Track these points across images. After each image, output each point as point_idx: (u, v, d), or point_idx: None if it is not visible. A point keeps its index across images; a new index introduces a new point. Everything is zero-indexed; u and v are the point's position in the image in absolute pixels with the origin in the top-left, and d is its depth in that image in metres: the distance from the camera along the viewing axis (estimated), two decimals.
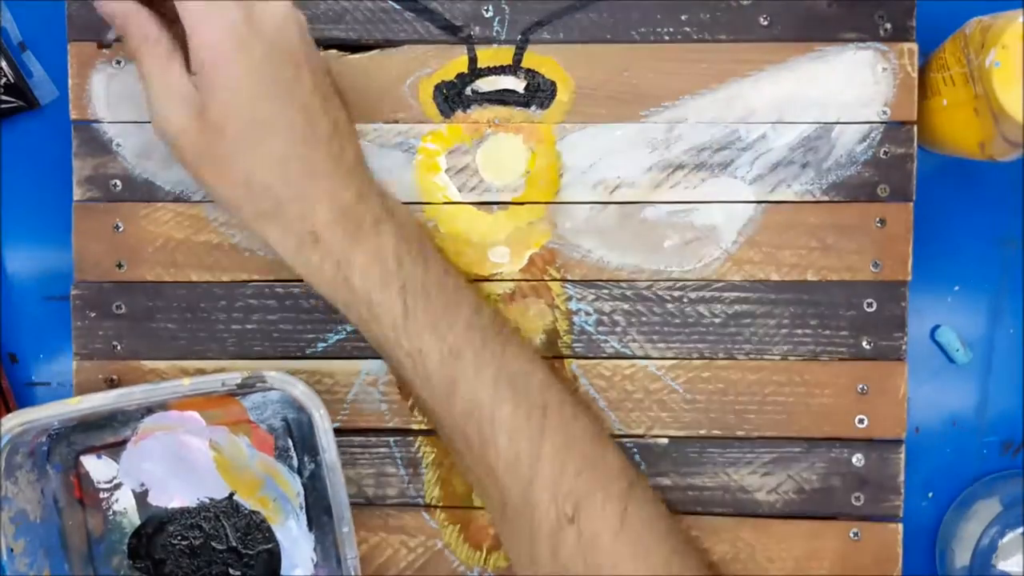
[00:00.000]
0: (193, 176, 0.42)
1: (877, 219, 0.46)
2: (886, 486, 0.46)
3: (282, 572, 0.47)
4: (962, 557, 0.48)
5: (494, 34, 0.47)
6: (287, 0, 0.40)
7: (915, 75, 0.46)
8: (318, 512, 0.46)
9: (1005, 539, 0.48)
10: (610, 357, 0.47)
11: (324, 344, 0.47)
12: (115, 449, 0.47)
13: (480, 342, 0.42)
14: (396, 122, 0.47)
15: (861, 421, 0.46)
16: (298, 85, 0.40)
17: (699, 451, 0.47)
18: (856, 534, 0.46)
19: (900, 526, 0.46)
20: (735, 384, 0.47)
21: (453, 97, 0.47)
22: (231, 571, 0.47)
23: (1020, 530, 0.48)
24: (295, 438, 0.47)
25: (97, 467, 0.47)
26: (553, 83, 0.47)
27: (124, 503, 0.47)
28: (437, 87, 0.47)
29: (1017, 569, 0.47)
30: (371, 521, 0.47)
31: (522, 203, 0.47)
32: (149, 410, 0.46)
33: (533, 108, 0.47)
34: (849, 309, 0.46)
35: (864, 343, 0.46)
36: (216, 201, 0.44)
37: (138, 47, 0.41)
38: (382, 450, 0.47)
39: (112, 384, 0.47)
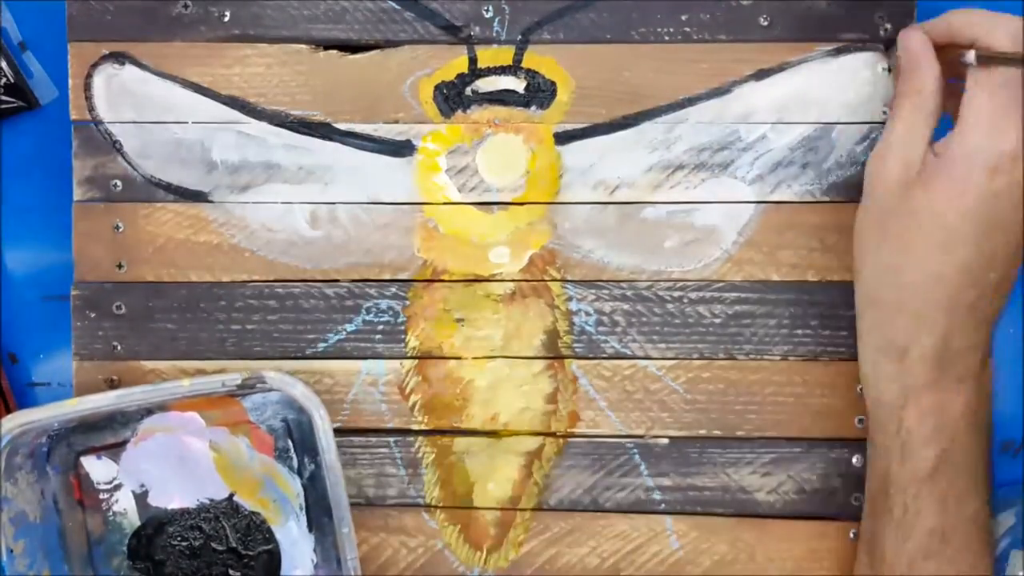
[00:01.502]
0: (859, 225, 0.42)
1: None
2: None
3: (282, 573, 0.47)
4: None
5: (494, 34, 0.47)
6: None
7: None
8: (318, 513, 0.46)
9: (1018, 551, 0.48)
10: (610, 357, 0.47)
11: (324, 344, 0.47)
12: (115, 450, 0.47)
13: (968, 537, 0.41)
14: (396, 122, 0.47)
15: (861, 421, 0.46)
16: (1008, 231, 0.39)
17: (699, 451, 0.47)
18: (856, 534, 0.46)
19: None
20: (735, 384, 0.47)
21: (453, 97, 0.47)
22: (231, 572, 0.47)
23: None
24: (295, 439, 0.47)
25: (97, 468, 0.47)
26: (553, 83, 0.47)
27: (124, 504, 0.47)
28: (437, 87, 0.47)
29: None
30: (371, 521, 0.47)
31: (522, 203, 0.47)
32: (149, 411, 0.46)
33: (533, 108, 0.47)
34: (849, 309, 0.46)
35: None
36: (855, 259, 0.43)
37: (907, 93, 0.41)
38: (382, 450, 0.47)
39: (112, 384, 0.47)
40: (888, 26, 0.46)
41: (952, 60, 0.40)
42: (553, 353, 0.47)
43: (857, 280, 0.42)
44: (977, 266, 0.39)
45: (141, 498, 0.47)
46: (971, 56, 0.40)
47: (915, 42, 0.41)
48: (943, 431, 0.40)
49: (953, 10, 0.41)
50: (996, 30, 0.39)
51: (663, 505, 0.47)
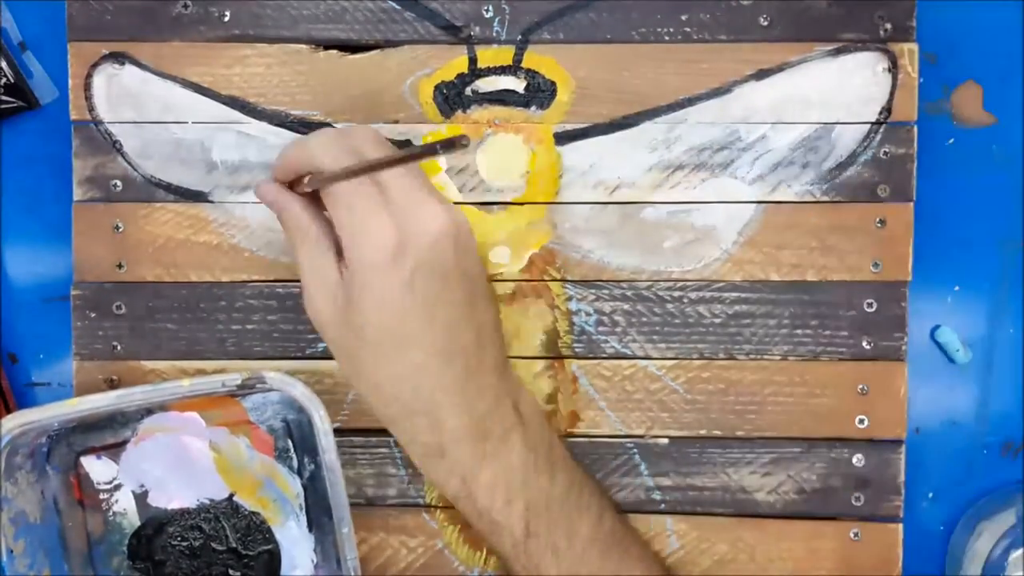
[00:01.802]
0: (338, 359, 0.42)
1: (877, 219, 0.46)
2: (886, 486, 0.46)
3: (282, 573, 0.47)
4: (973, 567, 0.48)
5: (494, 34, 0.47)
6: (444, 216, 0.39)
7: (915, 75, 0.46)
8: (318, 513, 0.46)
9: (1018, 552, 0.48)
10: (610, 357, 0.47)
11: (324, 344, 0.47)
12: (115, 450, 0.47)
13: (599, 558, 0.42)
14: (396, 122, 0.47)
15: (861, 421, 0.46)
16: (444, 300, 0.40)
17: (699, 451, 0.47)
18: (856, 534, 0.46)
19: (900, 526, 0.46)
20: (735, 384, 0.47)
21: (453, 97, 0.47)
22: (231, 572, 0.47)
23: None
24: (295, 439, 0.47)
25: (97, 468, 0.47)
26: (553, 83, 0.47)
27: (124, 504, 0.47)
28: (437, 87, 0.47)
29: None
30: (371, 521, 0.47)
31: (522, 203, 0.47)
32: (149, 411, 0.46)
33: (533, 108, 0.47)
34: (849, 309, 0.46)
35: (864, 343, 0.46)
36: (352, 386, 0.45)
37: (292, 236, 0.42)
38: (382, 450, 0.47)
39: (112, 384, 0.47)
40: (888, 26, 0.46)
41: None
42: (553, 353, 0.47)
43: (369, 404, 0.42)
44: (441, 345, 0.40)
45: (141, 498, 0.47)
46: (306, 183, 0.41)
47: (268, 193, 0.42)
48: (513, 491, 0.41)
49: (281, 154, 0.42)
50: (317, 153, 0.40)
51: (663, 505, 0.47)
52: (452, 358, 0.40)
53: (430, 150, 0.37)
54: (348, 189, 0.39)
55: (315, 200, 0.42)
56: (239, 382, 0.43)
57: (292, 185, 0.42)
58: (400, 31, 0.47)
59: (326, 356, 0.47)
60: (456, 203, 0.47)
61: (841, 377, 0.46)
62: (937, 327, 0.50)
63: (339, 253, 0.41)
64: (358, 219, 0.39)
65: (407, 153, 0.39)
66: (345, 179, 0.39)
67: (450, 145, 0.36)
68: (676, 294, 0.47)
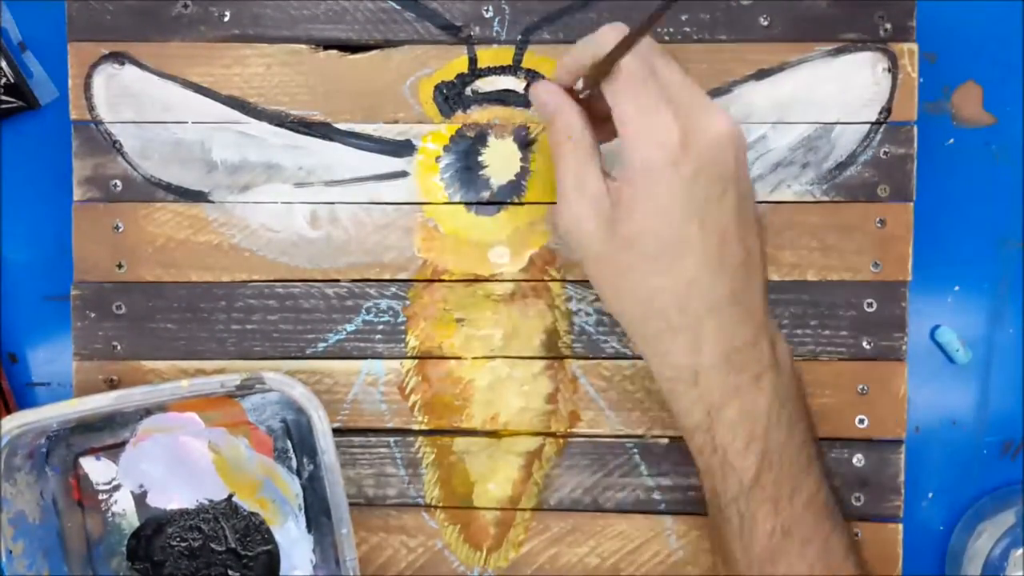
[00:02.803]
0: (589, 276, 0.40)
1: (877, 219, 0.46)
2: (886, 486, 0.46)
3: (281, 573, 0.47)
4: (973, 567, 0.48)
5: (494, 34, 0.47)
6: (727, 119, 0.38)
7: (915, 75, 0.46)
8: (317, 513, 0.46)
9: (1018, 551, 0.48)
10: (610, 357, 0.47)
11: (324, 344, 0.47)
12: (114, 450, 0.47)
13: (812, 524, 0.40)
14: (396, 122, 0.47)
15: (861, 421, 0.46)
16: (721, 207, 0.38)
17: None
18: (856, 534, 0.46)
19: (900, 526, 0.46)
20: None
21: (453, 97, 0.47)
22: (230, 572, 0.47)
23: None
24: (294, 439, 0.47)
25: (96, 468, 0.47)
26: None
27: (123, 504, 0.47)
28: (437, 87, 0.47)
29: None
30: (371, 521, 0.47)
31: (522, 203, 0.47)
32: (148, 412, 0.46)
33: (533, 108, 0.47)
34: (849, 309, 0.46)
35: (864, 343, 0.46)
36: (605, 304, 0.42)
37: (560, 142, 0.40)
38: (382, 450, 0.47)
39: (112, 384, 0.47)
40: (888, 26, 0.46)
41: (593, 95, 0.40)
42: (553, 353, 0.47)
43: (623, 323, 0.40)
44: (713, 256, 0.38)
45: (140, 498, 0.47)
46: (579, 83, 0.40)
47: (542, 92, 0.40)
48: (755, 436, 0.39)
49: (565, 53, 0.40)
50: (599, 41, 0.38)
51: (663, 505, 0.47)
52: (722, 275, 0.38)
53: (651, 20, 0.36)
54: (632, 85, 0.37)
55: (585, 111, 0.40)
56: (238, 383, 0.43)
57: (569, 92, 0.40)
58: (400, 31, 0.47)
59: (326, 356, 0.47)
60: (456, 203, 0.47)
61: (841, 377, 0.46)
62: (937, 327, 0.50)
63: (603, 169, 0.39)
64: (642, 115, 0.37)
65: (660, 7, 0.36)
66: (618, 56, 0.37)
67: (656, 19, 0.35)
68: None
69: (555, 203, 0.40)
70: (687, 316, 0.38)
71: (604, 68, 0.38)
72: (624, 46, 0.37)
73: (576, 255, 0.39)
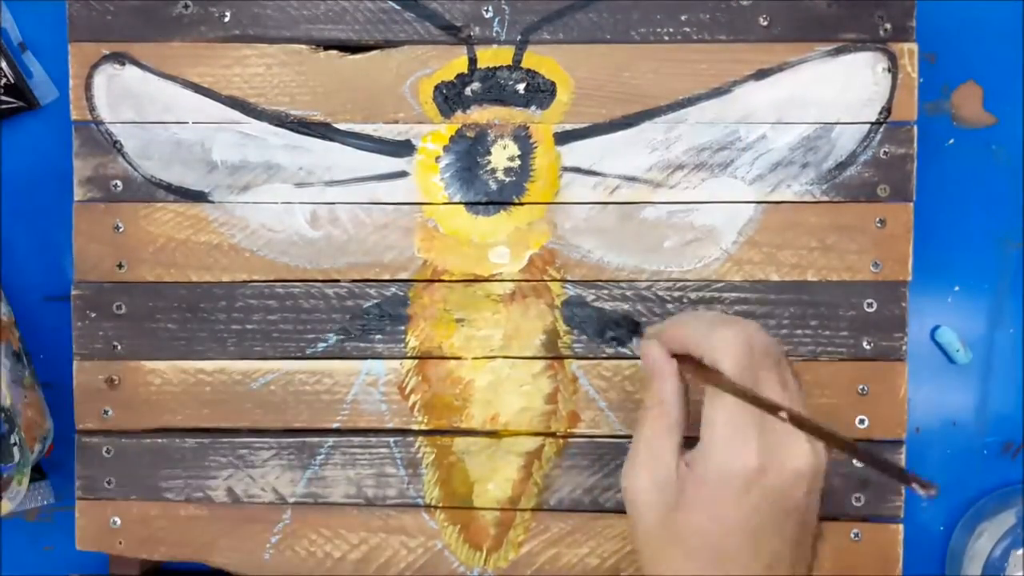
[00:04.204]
0: (635, 541, 0.40)
1: (877, 219, 0.46)
2: (887, 486, 0.46)
3: None
4: (973, 567, 0.48)
5: (494, 34, 0.47)
6: (811, 458, 0.38)
7: (915, 75, 0.46)
8: None
9: (1019, 552, 0.48)
10: (610, 357, 0.47)
11: (324, 344, 0.47)
12: None
13: None
14: (396, 122, 0.47)
15: (862, 421, 0.46)
16: (777, 535, 0.38)
17: None
18: (857, 535, 0.46)
19: (901, 527, 0.46)
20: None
21: (453, 97, 0.47)
22: None
23: None
24: None
25: None
26: (553, 83, 0.47)
27: None
28: (437, 87, 0.47)
29: None
30: (371, 521, 0.47)
31: (522, 203, 0.47)
32: None
33: (533, 108, 0.47)
34: (849, 309, 0.46)
35: (864, 343, 0.46)
36: (640, 563, 0.42)
37: (650, 407, 0.40)
38: (382, 450, 0.47)
39: (112, 384, 0.47)
40: (888, 26, 0.46)
41: (695, 368, 0.40)
42: (553, 353, 0.47)
43: None
44: (760, 568, 0.38)
45: None
46: (691, 373, 0.39)
47: (653, 352, 0.40)
48: None
49: (683, 321, 0.40)
50: (722, 356, 0.38)
51: None
52: None
53: (886, 468, 0.36)
54: (732, 403, 0.38)
55: (684, 379, 0.40)
56: None
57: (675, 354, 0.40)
58: (400, 31, 0.47)
59: (326, 356, 0.47)
60: (456, 203, 0.47)
61: (841, 377, 0.46)
62: (937, 327, 0.50)
63: (683, 445, 0.39)
64: (731, 430, 0.38)
65: (825, 431, 0.37)
66: (734, 394, 0.38)
67: (909, 481, 0.34)
68: (676, 294, 0.47)
69: (624, 465, 0.40)
70: None
71: (713, 381, 0.38)
72: (741, 394, 0.37)
73: (629, 516, 0.40)
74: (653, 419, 0.40)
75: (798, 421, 0.37)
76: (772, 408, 0.37)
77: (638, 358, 0.47)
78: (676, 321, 0.41)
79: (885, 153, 0.46)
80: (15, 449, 0.46)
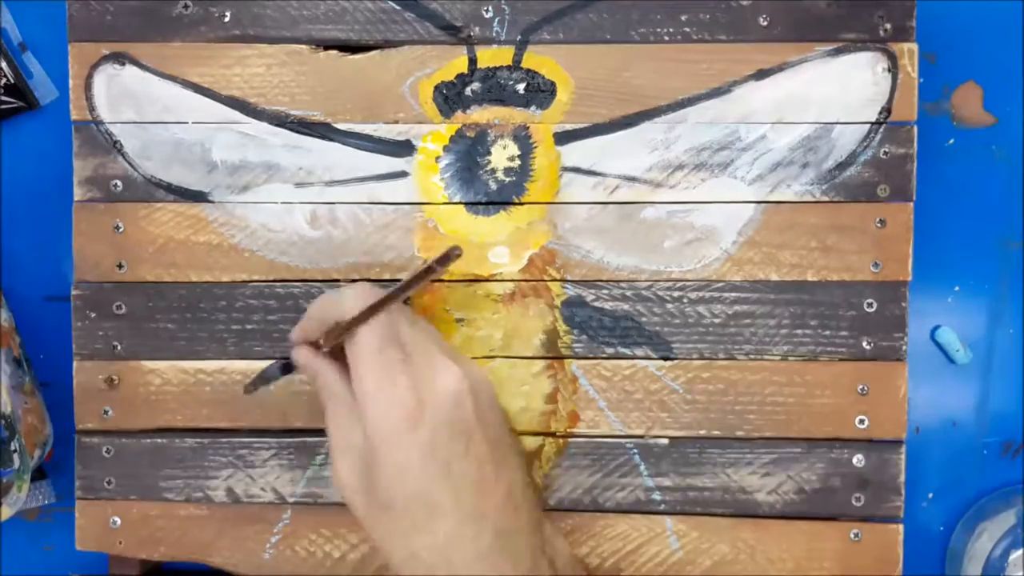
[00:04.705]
0: (363, 526, 0.41)
1: (877, 219, 0.46)
2: (887, 487, 0.46)
3: None
4: (973, 567, 0.48)
5: (494, 34, 0.47)
6: (458, 373, 0.39)
7: (915, 75, 0.46)
8: None
9: (1019, 552, 0.48)
10: (610, 357, 0.47)
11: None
12: None
13: None
14: (396, 122, 0.47)
15: (861, 421, 0.46)
16: (468, 459, 0.39)
17: (699, 451, 0.47)
18: (857, 535, 0.46)
19: (901, 527, 0.46)
20: (735, 384, 0.47)
21: (453, 97, 0.47)
22: None
23: None
24: None
25: None
26: (553, 83, 0.47)
27: None
28: (437, 87, 0.47)
29: None
30: None
31: (522, 203, 0.47)
32: None
33: (533, 108, 0.47)
34: (849, 309, 0.46)
35: (864, 343, 0.46)
36: (385, 557, 0.43)
37: (325, 400, 0.41)
38: None
39: (112, 384, 0.47)
40: (888, 26, 0.46)
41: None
42: (553, 353, 0.47)
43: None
44: (469, 509, 0.39)
45: None
46: (321, 340, 0.41)
47: (300, 357, 0.42)
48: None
49: (312, 303, 0.42)
50: (344, 304, 0.40)
51: (663, 505, 0.47)
52: (483, 522, 0.39)
53: (427, 272, 0.38)
54: (370, 355, 0.39)
55: (344, 366, 0.41)
56: None
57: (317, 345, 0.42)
58: (400, 31, 0.47)
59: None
60: (456, 203, 0.47)
61: (841, 377, 0.46)
62: (937, 327, 0.50)
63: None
64: (373, 386, 0.39)
65: (407, 281, 0.39)
66: (356, 325, 0.39)
67: (445, 260, 0.36)
68: (676, 294, 0.47)
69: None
70: (455, 568, 0.39)
71: (341, 333, 0.40)
72: (362, 318, 0.39)
73: (350, 508, 0.41)
74: (333, 412, 0.41)
75: (408, 284, 0.39)
76: (391, 298, 0.39)
77: (638, 357, 0.47)
78: (305, 315, 0.42)
79: (885, 153, 0.46)
80: (15, 455, 0.46)
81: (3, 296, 0.50)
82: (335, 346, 0.41)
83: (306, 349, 0.42)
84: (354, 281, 0.47)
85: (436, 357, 0.40)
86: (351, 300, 0.40)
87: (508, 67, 0.47)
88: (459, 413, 0.39)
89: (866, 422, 0.46)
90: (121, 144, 0.47)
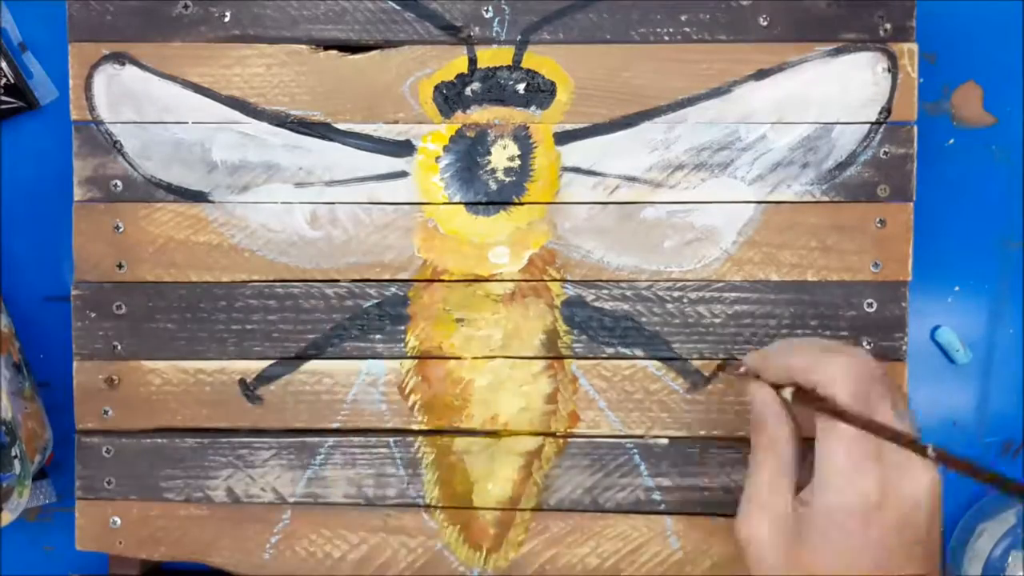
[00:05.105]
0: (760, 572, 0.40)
1: (877, 219, 0.46)
2: None
3: None
4: (973, 567, 0.48)
5: (494, 34, 0.47)
6: (929, 479, 0.37)
7: (915, 75, 0.46)
8: None
9: (1019, 552, 0.48)
10: (610, 357, 0.47)
11: (324, 344, 0.47)
12: None
13: None
14: (396, 122, 0.47)
15: None
16: (907, 560, 0.37)
17: (699, 451, 0.47)
18: None
19: None
20: (735, 384, 0.47)
21: (453, 97, 0.47)
22: None
23: None
24: None
25: None
26: (553, 83, 0.47)
27: None
28: (437, 87, 0.47)
29: None
30: (371, 521, 0.47)
31: (522, 203, 0.47)
32: None
33: (533, 108, 0.47)
34: (849, 309, 0.46)
35: (864, 343, 0.46)
36: None
37: (763, 447, 0.40)
38: (382, 450, 0.47)
39: (112, 384, 0.47)
40: (888, 26, 0.46)
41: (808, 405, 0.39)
42: (553, 353, 0.47)
43: None
44: None
45: None
46: (788, 391, 0.39)
47: (763, 395, 0.40)
48: None
49: (787, 350, 0.40)
50: (835, 385, 0.38)
51: (663, 505, 0.47)
52: None
53: (1000, 484, 0.35)
54: (850, 430, 0.37)
55: (794, 418, 0.40)
56: None
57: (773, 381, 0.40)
58: (400, 31, 0.47)
59: (326, 356, 0.47)
60: (456, 203, 0.47)
61: None
62: (937, 327, 0.50)
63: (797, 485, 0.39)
64: (849, 463, 0.37)
65: (955, 459, 0.36)
66: (851, 424, 0.37)
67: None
68: (676, 294, 0.47)
69: (738, 511, 0.39)
70: None
71: (824, 411, 0.37)
72: (860, 424, 0.37)
73: (750, 563, 0.40)
74: (766, 462, 0.39)
75: (943, 457, 0.36)
76: (896, 436, 0.36)
77: (638, 357, 0.47)
78: (779, 352, 0.40)
79: (885, 153, 0.46)
80: (16, 461, 0.46)
81: (2, 301, 0.50)
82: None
83: (769, 391, 0.40)
84: (355, 281, 0.47)
85: (909, 456, 0.37)
86: (840, 383, 0.38)
87: (508, 67, 0.47)
88: (915, 519, 0.37)
89: None
90: (121, 144, 0.47)
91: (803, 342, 0.42)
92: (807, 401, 0.38)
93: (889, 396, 0.38)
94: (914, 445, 0.36)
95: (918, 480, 0.37)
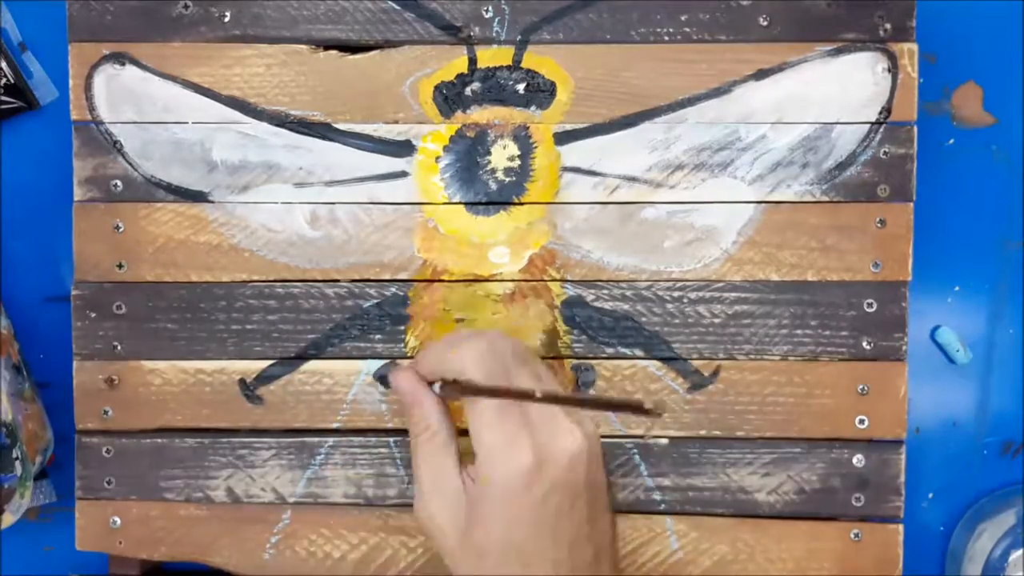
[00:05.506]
0: (448, 566, 0.41)
1: (877, 219, 0.46)
2: (887, 487, 0.46)
3: None
4: (973, 567, 0.48)
5: (494, 34, 0.47)
6: (579, 434, 0.39)
7: (915, 75, 0.46)
8: None
9: (1019, 552, 0.48)
10: (610, 357, 0.47)
11: (324, 344, 0.47)
12: None
13: None
14: (396, 122, 0.47)
15: (861, 422, 0.46)
16: (571, 518, 0.39)
17: (699, 451, 0.47)
18: (857, 535, 0.46)
19: (901, 527, 0.46)
20: (735, 384, 0.47)
21: (453, 97, 0.47)
22: None
23: None
24: None
25: None
26: (553, 83, 0.47)
27: None
28: (437, 87, 0.47)
29: None
30: (371, 521, 0.47)
31: (522, 203, 0.47)
32: None
33: (533, 108, 0.47)
34: (849, 309, 0.46)
35: (864, 343, 0.46)
36: None
37: (417, 434, 0.41)
38: (382, 450, 0.47)
39: (112, 384, 0.47)
40: (888, 26, 0.46)
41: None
42: (553, 353, 0.47)
43: None
44: (564, 563, 0.39)
45: None
46: (436, 386, 0.41)
47: (404, 382, 0.42)
48: None
49: (428, 348, 0.42)
50: (468, 370, 0.40)
51: (663, 505, 0.47)
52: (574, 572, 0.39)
53: (609, 405, 0.38)
54: (492, 405, 0.39)
55: (443, 400, 0.42)
56: None
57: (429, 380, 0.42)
58: (400, 31, 0.47)
59: (326, 356, 0.47)
60: (456, 203, 0.47)
61: (841, 377, 0.46)
62: (937, 327, 0.50)
63: (461, 461, 0.41)
64: (499, 438, 0.39)
65: (571, 396, 0.39)
66: (488, 396, 0.39)
67: (641, 411, 0.35)
68: (676, 294, 0.47)
69: (415, 495, 0.41)
70: None
71: (465, 393, 0.40)
72: (497, 394, 0.39)
73: (435, 546, 0.42)
74: (424, 444, 0.41)
75: (551, 398, 0.38)
76: (524, 394, 0.38)
77: (638, 357, 0.47)
78: (424, 351, 0.42)
79: (885, 153, 0.46)
80: (17, 463, 0.46)
81: (2, 303, 0.50)
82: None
83: (412, 375, 0.42)
84: (355, 281, 0.47)
85: (557, 417, 0.39)
86: (472, 363, 0.40)
87: (508, 67, 0.47)
88: (573, 475, 0.39)
89: (866, 422, 0.46)
90: (121, 144, 0.47)
91: (442, 339, 0.44)
92: (453, 390, 0.40)
93: (528, 366, 0.40)
94: (547, 397, 0.38)
95: (568, 436, 0.39)
